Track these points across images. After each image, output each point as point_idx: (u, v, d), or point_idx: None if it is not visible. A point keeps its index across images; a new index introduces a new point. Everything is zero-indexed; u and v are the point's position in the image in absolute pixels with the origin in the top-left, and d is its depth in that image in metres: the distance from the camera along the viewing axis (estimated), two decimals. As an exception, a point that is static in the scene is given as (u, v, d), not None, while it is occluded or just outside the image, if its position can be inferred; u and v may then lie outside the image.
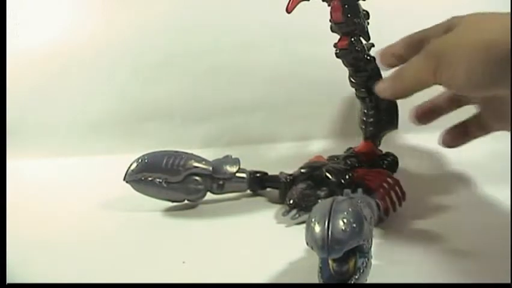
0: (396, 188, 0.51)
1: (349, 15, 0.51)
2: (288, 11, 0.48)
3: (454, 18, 0.45)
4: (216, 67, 0.78)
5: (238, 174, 0.58)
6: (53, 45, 0.79)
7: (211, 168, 0.56)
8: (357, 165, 0.56)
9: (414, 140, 0.73)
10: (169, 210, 0.57)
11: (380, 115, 0.57)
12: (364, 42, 0.54)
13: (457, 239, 0.47)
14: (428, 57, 0.42)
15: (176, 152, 0.57)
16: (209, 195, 0.58)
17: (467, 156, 0.61)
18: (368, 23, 0.53)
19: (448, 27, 0.44)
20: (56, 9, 0.80)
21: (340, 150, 0.62)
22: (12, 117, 0.70)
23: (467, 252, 0.44)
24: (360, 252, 0.36)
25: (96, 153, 0.77)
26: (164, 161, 0.56)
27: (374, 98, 0.56)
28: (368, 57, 0.54)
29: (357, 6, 0.51)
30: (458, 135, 0.53)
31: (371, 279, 0.39)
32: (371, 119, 0.57)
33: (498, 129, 0.50)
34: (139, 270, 0.44)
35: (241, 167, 0.58)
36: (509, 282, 0.38)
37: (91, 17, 0.80)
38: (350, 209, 0.35)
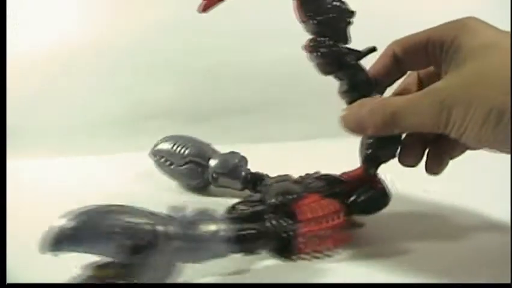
0: (326, 231, 0.45)
1: (310, 14, 0.46)
2: (202, 11, 0.46)
3: (459, 21, 0.41)
4: (217, 67, 0.78)
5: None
6: (55, 45, 0.79)
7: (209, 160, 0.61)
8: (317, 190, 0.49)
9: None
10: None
11: (376, 139, 0.48)
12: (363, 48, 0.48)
13: (457, 239, 0.47)
14: (435, 106, 0.37)
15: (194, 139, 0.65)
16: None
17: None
18: (349, 22, 0.47)
19: (456, 32, 0.40)
20: (58, 9, 0.81)
21: (343, 151, 0.60)
22: (14, 116, 0.70)
23: (467, 252, 0.45)
24: None
25: (97, 152, 0.76)
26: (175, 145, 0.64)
27: None
28: (351, 63, 0.47)
29: (323, 3, 0.46)
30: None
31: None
32: (366, 141, 0.49)
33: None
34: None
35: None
36: (509, 282, 0.38)
37: (92, 18, 0.80)
38: None
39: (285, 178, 0.54)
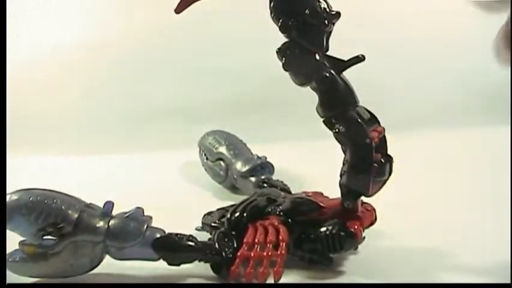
0: (260, 259, 0.41)
1: (277, 16, 0.41)
2: (177, 11, 0.43)
3: None
4: (218, 67, 0.77)
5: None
6: (58, 46, 0.84)
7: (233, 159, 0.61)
8: (278, 213, 0.45)
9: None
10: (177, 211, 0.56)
11: (347, 168, 0.42)
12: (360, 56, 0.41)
13: (456, 239, 0.47)
14: None
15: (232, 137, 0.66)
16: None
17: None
18: (329, 25, 0.40)
19: None
20: (62, 9, 0.86)
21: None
22: (16, 114, 0.73)
23: (467, 252, 0.44)
24: None
25: (99, 152, 0.79)
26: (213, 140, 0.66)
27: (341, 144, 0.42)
28: (325, 75, 0.41)
29: (294, 3, 0.40)
30: None
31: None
32: (343, 169, 0.43)
33: None
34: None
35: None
36: (509, 282, 0.38)
37: (96, 19, 0.83)
38: None
39: (269, 192, 0.50)
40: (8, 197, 0.42)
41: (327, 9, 0.40)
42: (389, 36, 0.70)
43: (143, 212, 0.43)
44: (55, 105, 0.87)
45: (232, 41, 0.81)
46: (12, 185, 0.44)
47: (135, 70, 0.86)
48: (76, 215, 0.42)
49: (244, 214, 0.45)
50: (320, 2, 0.40)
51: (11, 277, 0.42)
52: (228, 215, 0.45)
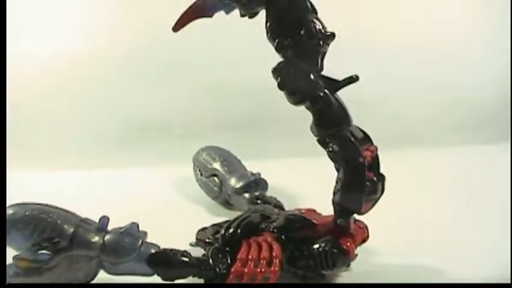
0: (253, 275, 0.41)
1: (273, 36, 0.41)
2: (175, 30, 0.45)
3: None
4: (214, 83, 0.77)
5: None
6: (57, 60, 0.85)
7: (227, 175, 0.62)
8: (272, 229, 0.46)
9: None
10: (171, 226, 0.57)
11: (341, 186, 0.43)
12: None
13: (449, 257, 0.47)
14: None
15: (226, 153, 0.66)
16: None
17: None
18: (324, 45, 0.41)
19: None
20: (61, 24, 0.86)
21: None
22: (15, 129, 0.74)
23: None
24: None
25: (93, 166, 0.79)
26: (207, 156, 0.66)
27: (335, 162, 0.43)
28: (319, 95, 0.41)
29: (290, 24, 0.41)
30: None
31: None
32: (336, 187, 0.43)
33: None
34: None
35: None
36: (509, 282, 0.39)
37: (94, 32, 0.84)
38: None
39: (263, 209, 0.51)
40: (3, 212, 0.42)
41: (323, 30, 0.41)
42: (382, 53, 0.70)
43: (138, 227, 0.44)
44: (50, 119, 0.87)
45: (228, 58, 0.82)
46: (8, 199, 0.44)
47: (130, 85, 0.87)
48: (71, 230, 0.42)
49: (238, 230, 0.46)
50: (315, 23, 0.41)
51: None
52: (222, 231, 0.46)
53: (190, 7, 0.45)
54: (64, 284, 0.43)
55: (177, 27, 0.45)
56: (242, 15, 0.44)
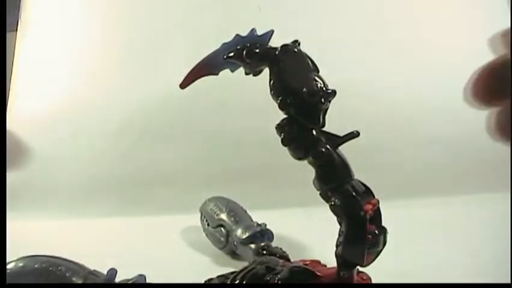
0: None
1: (276, 94, 0.43)
2: (182, 86, 0.46)
3: None
4: (218, 134, 0.79)
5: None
6: (59, 109, 0.88)
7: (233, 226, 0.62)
8: (276, 281, 0.46)
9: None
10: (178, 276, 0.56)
11: (343, 240, 0.43)
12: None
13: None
14: None
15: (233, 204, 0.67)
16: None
17: None
18: (325, 102, 0.42)
19: None
20: (63, 74, 0.90)
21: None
22: (16, 179, 0.77)
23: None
24: None
25: (100, 216, 0.80)
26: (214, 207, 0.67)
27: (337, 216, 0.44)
28: (322, 151, 0.42)
29: (292, 83, 0.43)
30: None
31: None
32: (339, 239, 0.44)
33: None
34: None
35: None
36: (509, 282, 0.39)
37: (96, 82, 0.87)
38: None
39: (268, 260, 0.51)
40: (13, 264, 0.43)
41: (324, 88, 0.43)
42: (382, 103, 0.71)
43: (145, 279, 0.44)
44: (56, 169, 0.89)
45: (232, 109, 0.85)
46: (15, 249, 0.45)
47: (136, 135, 0.89)
48: (80, 282, 0.43)
49: (244, 282, 0.46)
50: (316, 81, 0.43)
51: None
52: (228, 283, 0.47)
53: (197, 65, 0.47)
54: (64, 284, 0.43)
55: (184, 84, 0.47)
56: (246, 74, 0.46)
